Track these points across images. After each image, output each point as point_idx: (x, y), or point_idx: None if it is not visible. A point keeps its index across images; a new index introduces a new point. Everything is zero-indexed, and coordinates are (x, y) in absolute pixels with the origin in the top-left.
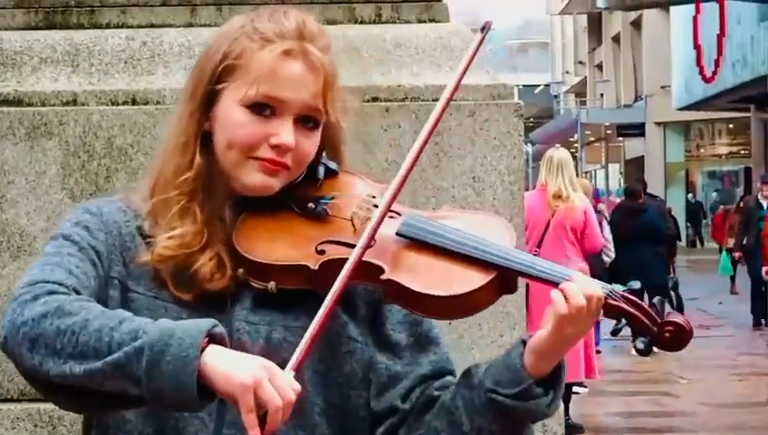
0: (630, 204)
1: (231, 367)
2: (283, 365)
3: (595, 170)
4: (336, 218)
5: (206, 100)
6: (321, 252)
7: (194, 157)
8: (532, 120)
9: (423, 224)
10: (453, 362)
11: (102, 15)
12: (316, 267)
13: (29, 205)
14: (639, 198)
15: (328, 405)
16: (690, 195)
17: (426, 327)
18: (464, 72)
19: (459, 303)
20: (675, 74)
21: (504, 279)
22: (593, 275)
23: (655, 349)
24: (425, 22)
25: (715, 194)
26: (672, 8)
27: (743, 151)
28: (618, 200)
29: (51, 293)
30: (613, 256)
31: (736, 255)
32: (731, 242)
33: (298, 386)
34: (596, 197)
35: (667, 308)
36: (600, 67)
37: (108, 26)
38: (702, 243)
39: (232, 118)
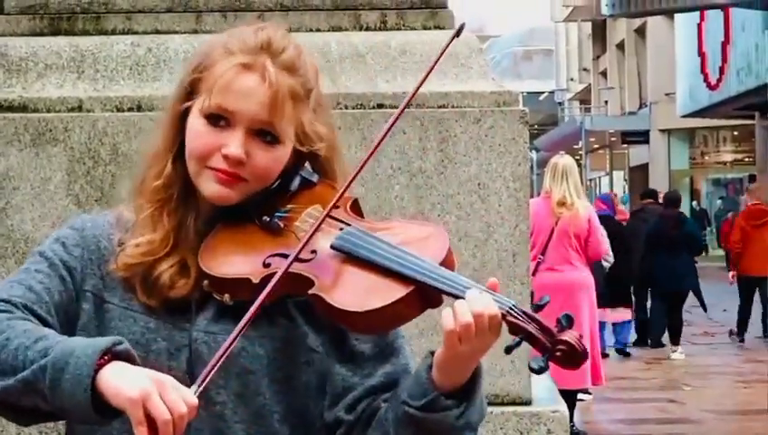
0: (671, 212)
1: (121, 383)
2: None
3: (599, 177)
4: (288, 231)
5: (181, 111)
6: (267, 265)
7: (165, 166)
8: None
9: (357, 238)
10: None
11: (108, 22)
12: (257, 281)
13: (34, 211)
14: (678, 206)
15: (289, 413)
16: (695, 202)
17: (391, 337)
18: (426, 75)
19: (378, 316)
20: (679, 82)
21: (423, 292)
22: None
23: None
24: (430, 29)
25: (719, 201)
26: (677, 16)
27: (747, 159)
28: (621, 207)
29: None
30: (612, 261)
31: None
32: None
33: (194, 400)
34: (603, 201)
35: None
36: (604, 74)
37: (113, 33)
38: (707, 250)
39: (193, 127)
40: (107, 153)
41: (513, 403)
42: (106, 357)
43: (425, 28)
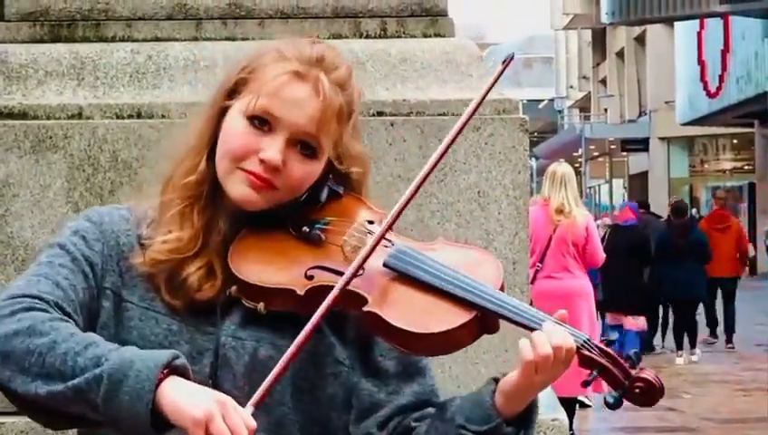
0: (680, 221)
1: (185, 401)
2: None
3: (599, 185)
4: (329, 244)
5: (222, 109)
6: (310, 277)
7: (199, 162)
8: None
9: (410, 258)
10: (438, 393)
11: (108, 29)
12: (302, 293)
13: (34, 218)
14: (685, 215)
15: (310, 422)
16: (694, 210)
17: (416, 357)
18: (481, 101)
19: (436, 341)
20: (679, 90)
21: (484, 320)
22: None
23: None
24: (430, 36)
25: None
26: (676, 24)
27: (747, 167)
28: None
29: (28, 309)
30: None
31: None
32: None
33: (253, 423)
34: (633, 210)
35: (642, 364)
36: (604, 82)
37: (113, 40)
38: None
39: (232, 126)
40: (106, 160)
41: None
42: (164, 371)
43: (425, 36)
